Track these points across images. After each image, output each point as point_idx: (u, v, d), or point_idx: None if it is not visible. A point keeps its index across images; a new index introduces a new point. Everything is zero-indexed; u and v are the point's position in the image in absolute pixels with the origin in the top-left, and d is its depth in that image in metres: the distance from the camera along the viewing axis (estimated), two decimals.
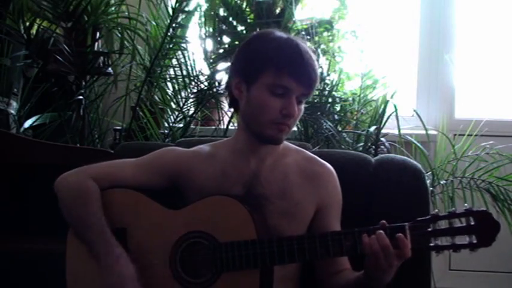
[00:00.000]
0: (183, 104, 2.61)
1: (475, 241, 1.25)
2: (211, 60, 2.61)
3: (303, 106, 1.41)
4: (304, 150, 1.54)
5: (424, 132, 2.41)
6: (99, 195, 1.43)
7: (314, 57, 1.39)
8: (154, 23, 2.63)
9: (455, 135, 2.59)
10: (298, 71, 1.35)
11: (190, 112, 2.62)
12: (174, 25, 2.51)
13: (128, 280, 1.33)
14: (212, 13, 2.59)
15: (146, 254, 1.40)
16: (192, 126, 2.59)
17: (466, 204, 1.30)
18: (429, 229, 1.27)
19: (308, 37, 2.53)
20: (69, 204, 1.44)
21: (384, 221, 1.28)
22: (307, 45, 1.41)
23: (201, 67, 2.63)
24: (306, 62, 1.35)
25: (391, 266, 1.24)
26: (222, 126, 2.62)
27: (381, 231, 1.25)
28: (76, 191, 1.44)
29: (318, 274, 1.47)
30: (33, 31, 2.51)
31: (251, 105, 1.40)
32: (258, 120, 1.39)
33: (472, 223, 1.25)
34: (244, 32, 2.55)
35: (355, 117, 2.62)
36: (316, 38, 2.57)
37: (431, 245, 1.27)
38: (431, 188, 2.29)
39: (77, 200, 1.43)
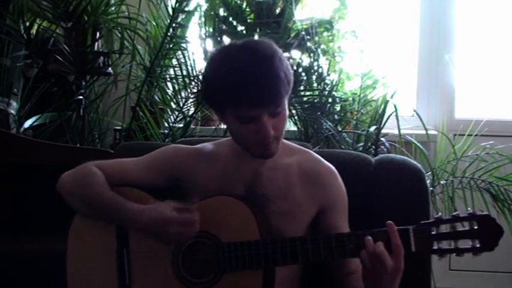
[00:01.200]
0: (183, 104, 2.61)
1: (478, 245, 1.26)
2: None
3: (284, 111, 1.36)
4: (309, 151, 1.53)
5: (424, 132, 2.42)
6: (104, 176, 1.44)
7: (274, 65, 1.29)
8: (154, 23, 2.63)
9: (455, 135, 2.59)
10: (254, 99, 1.29)
11: (190, 112, 2.62)
12: (174, 25, 2.51)
13: (163, 209, 1.34)
14: (212, 13, 2.59)
15: (148, 253, 1.40)
16: (192, 126, 2.59)
17: (469, 208, 1.30)
18: (432, 232, 1.27)
19: (308, 37, 2.53)
20: (76, 188, 1.44)
21: (390, 221, 1.27)
22: (268, 49, 1.32)
23: (201, 67, 2.63)
24: (261, 85, 1.28)
25: (385, 268, 1.24)
26: (222, 126, 2.62)
27: (369, 237, 1.26)
28: (80, 174, 1.45)
29: (334, 274, 1.46)
30: (33, 31, 2.51)
31: (230, 131, 1.42)
32: (242, 144, 1.40)
33: (475, 227, 1.26)
34: (244, 32, 2.55)
35: (355, 117, 2.62)
36: (316, 38, 2.57)
37: (434, 248, 1.27)
38: (431, 188, 2.29)
39: (82, 181, 1.43)
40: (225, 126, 2.53)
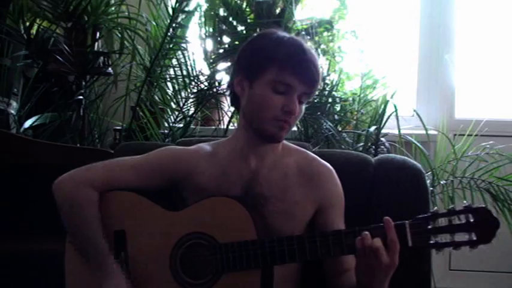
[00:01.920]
0: (183, 104, 2.61)
1: (474, 238, 1.25)
2: (211, 60, 2.61)
3: (304, 106, 1.42)
4: (306, 151, 1.54)
5: (424, 132, 2.41)
6: (97, 204, 1.42)
7: (317, 57, 1.41)
8: (154, 23, 2.63)
9: (455, 135, 2.59)
10: (301, 69, 1.36)
11: (190, 112, 2.62)
12: (174, 25, 2.51)
13: None
14: (212, 13, 2.59)
15: (146, 256, 1.40)
16: (192, 126, 2.59)
17: (465, 201, 1.30)
18: (429, 226, 1.27)
19: (308, 37, 2.53)
20: (65, 212, 1.43)
21: (387, 217, 1.27)
22: (310, 46, 1.43)
23: (201, 67, 2.63)
24: (308, 61, 1.37)
25: (380, 264, 1.24)
26: (222, 126, 2.62)
27: (367, 232, 1.26)
28: (71, 201, 1.42)
29: (326, 272, 1.47)
30: (33, 31, 2.51)
31: (253, 102, 1.40)
32: (259, 116, 1.40)
33: (472, 220, 1.26)
34: (244, 32, 2.55)
35: (355, 117, 2.62)
36: (316, 38, 2.57)
37: (431, 242, 1.27)
38: (431, 188, 2.29)
39: (72, 209, 1.42)
40: (224, 127, 2.54)
